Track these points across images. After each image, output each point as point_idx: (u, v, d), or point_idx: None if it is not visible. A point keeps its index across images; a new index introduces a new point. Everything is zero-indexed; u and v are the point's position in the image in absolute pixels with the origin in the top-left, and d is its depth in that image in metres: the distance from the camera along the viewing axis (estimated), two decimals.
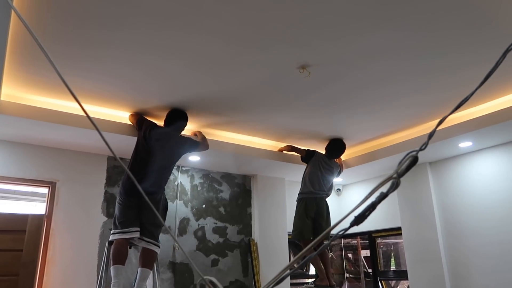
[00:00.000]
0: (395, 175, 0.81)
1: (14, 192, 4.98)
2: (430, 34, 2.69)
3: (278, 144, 4.90)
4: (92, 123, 0.88)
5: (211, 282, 0.87)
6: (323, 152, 4.68)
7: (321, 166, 4.40)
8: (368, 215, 0.84)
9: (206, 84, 3.36)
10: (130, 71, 3.10)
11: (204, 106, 3.79)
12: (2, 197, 4.99)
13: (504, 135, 4.17)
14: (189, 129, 4.23)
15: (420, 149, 0.82)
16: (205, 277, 0.85)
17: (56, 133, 3.78)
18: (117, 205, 3.32)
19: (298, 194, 4.40)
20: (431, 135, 0.82)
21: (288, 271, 0.92)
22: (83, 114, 3.29)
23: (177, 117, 3.75)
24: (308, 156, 4.49)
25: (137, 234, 3.20)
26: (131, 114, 3.82)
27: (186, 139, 3.77)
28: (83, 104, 3.36)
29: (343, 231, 0.82)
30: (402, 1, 2.34)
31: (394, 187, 0.82)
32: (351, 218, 0.84)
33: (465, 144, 4.42)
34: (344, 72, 3.20)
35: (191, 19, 2.47)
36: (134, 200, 3.26)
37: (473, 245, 4.50)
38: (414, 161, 0.81)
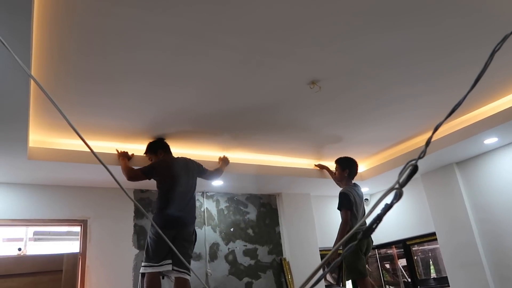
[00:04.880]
0: (397, 186, 0.82)
1: (49, 233, 5.14)
2: (436, 35, 2.68)
3: (300, 161, 4.89)
4: (97, 158, 0.93)
5: None
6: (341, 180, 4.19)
7: (357, 202, 3.92)
8: (376, 227, 0.85)
9: (221, 109, 3.43)
10: (143, 107, 3.22)
11: (220, 130, 3.86)
12: (39, 239, 5.17)
13: None
14: (210, 155, 4.30)
15: (419, 157, 0.83)
16: None
17: (84, 172, 3.92)
18: (151, 237, 3.29)
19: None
20: (428, 142, 0.83)
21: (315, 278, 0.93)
22: (107, 152, 3.39)
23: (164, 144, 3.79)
24: (348, 205, 3.87)
25: (170, 267, 3.21)
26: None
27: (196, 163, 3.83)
28: (107, 143, 3.48)
29: (350, 246, 0.83)
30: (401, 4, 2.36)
31: (398, 197, 0.83)
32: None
33: (490, 140, 4.30)
34: (354, 82, 3.21)
35: (199, 49, 2.57)
36: (171, 233, 3.25)
37: None
38: (414, 170, 0.82)
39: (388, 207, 0.82)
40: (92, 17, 2.16)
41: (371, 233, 0.84)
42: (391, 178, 5.41)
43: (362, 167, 5.42)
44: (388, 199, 0.83)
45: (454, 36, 2.71)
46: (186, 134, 3.84)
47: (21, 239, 5.21)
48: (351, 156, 4.24)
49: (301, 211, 5.49)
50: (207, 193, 5.04)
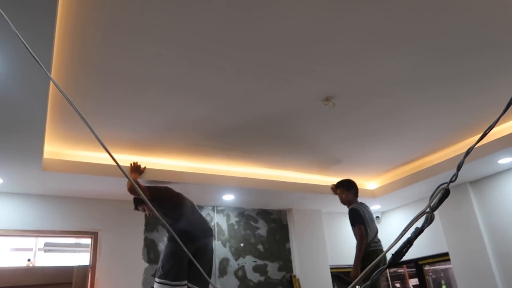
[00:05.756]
0: (428, 210, 0.81)
1: (59, 244, 5.15)
2: (451, 62, 2.68)
3: (311, 177, 4.87)
4: (122, 171, 0.93)
5: None
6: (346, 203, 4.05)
7: (367, 218, 3.81)
8: (406, 252, 0.83)
9: (233, 123, 3.44)
10: (155, 119, 3.24)
11: (232, 144, 3.86)
12: (49, 250, 5.18)
13: None
14: (221, 170, 4.30)
15: (451, 181, 0.82)
16: None
17: (97, 185, 3.94)
18: (169, 253, 3.21)
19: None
20: (459, 166, 0.82)
21: None
22: (121, 164, 3.38)
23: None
24: (360, 219, 3.76)
25: None
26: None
27: None
28: (117, 154, 3.48)
29: (379, 271, 0.81)
30: (421, 29, 2.36)
31: (429, 221, 0.82)
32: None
33: (505, 160, 4.24)
34: (369, 100, 3.20)
35: (214, 63, 2.59)
36: (191, 248, 3.18)
37: None
38: (446, 194, 0.81)
39: (419, 231, 0.81)
40: (113, 31, 2.20)
41: (402, 257, 0.82)
42: (403, 196, 5.35)
43: (373, 185, 5.38)
44: (419, 223, 0.81)
45: (472, 66, 2.71)
46: (198, 147, 3.85)
47: (30, 250, 5.23)
48: (367, 170, 4.21)
49: (311, 228, 5.43)
50: (218, 208, 5.02)
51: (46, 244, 5.06)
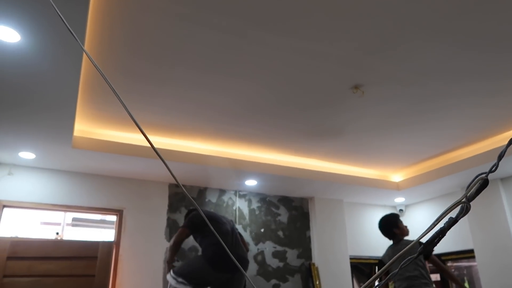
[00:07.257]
0: (464, 200, 0.78)
1: (86, 220, 5.32)
2: (491, 55, 2.56)
3: (335, 166, 4.82)
4: (157, 153, 0.94)
5: None
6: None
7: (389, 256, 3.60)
8: (438, 242, 0.80)
9: (259, 109, 3.43)
10: (183, 105, 3.26)
11: (257, 129, 3.86)
12: (76, 225, 5.36)
13: None
14: (246, 155, 4.30)
15: (490, 171, 0.78)
16: None
17: (124, 164, 4.03)
18: (201, 268, 3.19)
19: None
20: (501, 156, 0.78)
21: None
22: (148, 145, 3.45)
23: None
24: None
25: None
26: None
27: None
28: (147, 135, 3.47)
29: (409, 259, 0.79)
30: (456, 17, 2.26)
31: (464, 212, 0.78)
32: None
33: None
34: (399, 90, 3.12)
35: (242, 47, 2.57)
36: (219, 278, 3.15)
37: None
38: (484, 184, 0.77)
39: (452, 222, 0.78)
40: (146, 7, 2.21)
41: (433, 248, 0.79)
42: (429, 190, 5.24)
43: (398, 177, 5.28)
44: (453, 213, 0.78)
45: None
46: (223, 132, 3.87)
47: (59, 224, 5.42)
48: (393, 162, 4.10)
49: (333, 217, 5.40)
50: (240, 192, 5.06)
51: (73, 219, 5.23)
